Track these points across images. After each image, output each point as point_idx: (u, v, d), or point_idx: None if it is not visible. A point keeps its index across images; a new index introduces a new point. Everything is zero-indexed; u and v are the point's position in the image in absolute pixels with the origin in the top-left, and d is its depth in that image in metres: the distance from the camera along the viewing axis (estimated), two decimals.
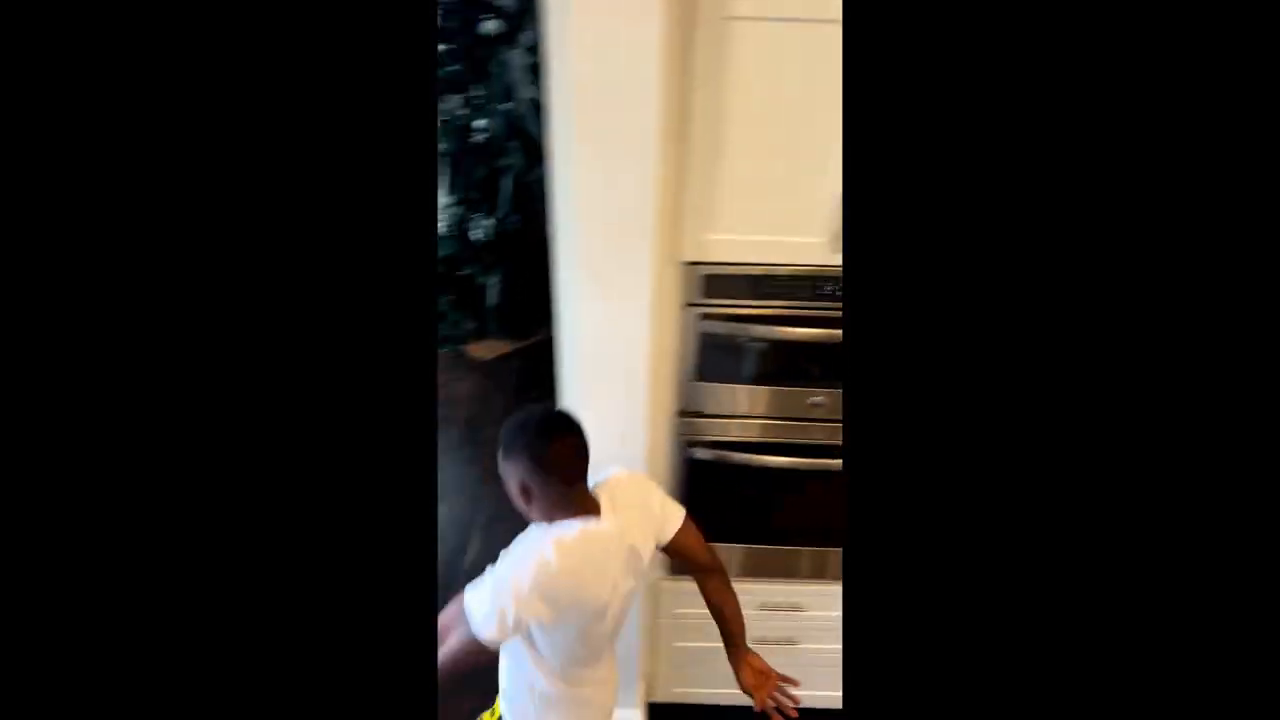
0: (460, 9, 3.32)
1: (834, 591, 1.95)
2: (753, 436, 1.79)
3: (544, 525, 1.16)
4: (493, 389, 3.71)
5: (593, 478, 1.22)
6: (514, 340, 4.05)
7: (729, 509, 1.86)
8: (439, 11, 3.33)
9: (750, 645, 1.40)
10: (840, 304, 1.56)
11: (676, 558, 1.36)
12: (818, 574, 1.98)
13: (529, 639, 1.18)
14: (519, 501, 1.18)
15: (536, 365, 3.85)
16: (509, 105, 3.63)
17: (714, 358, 1.71)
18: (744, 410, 1.78)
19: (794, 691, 1.35)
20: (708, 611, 1.38)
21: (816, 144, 1.43)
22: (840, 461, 1.64)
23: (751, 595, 1.57)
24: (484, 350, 4.01)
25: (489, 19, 3.38)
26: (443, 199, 3.63)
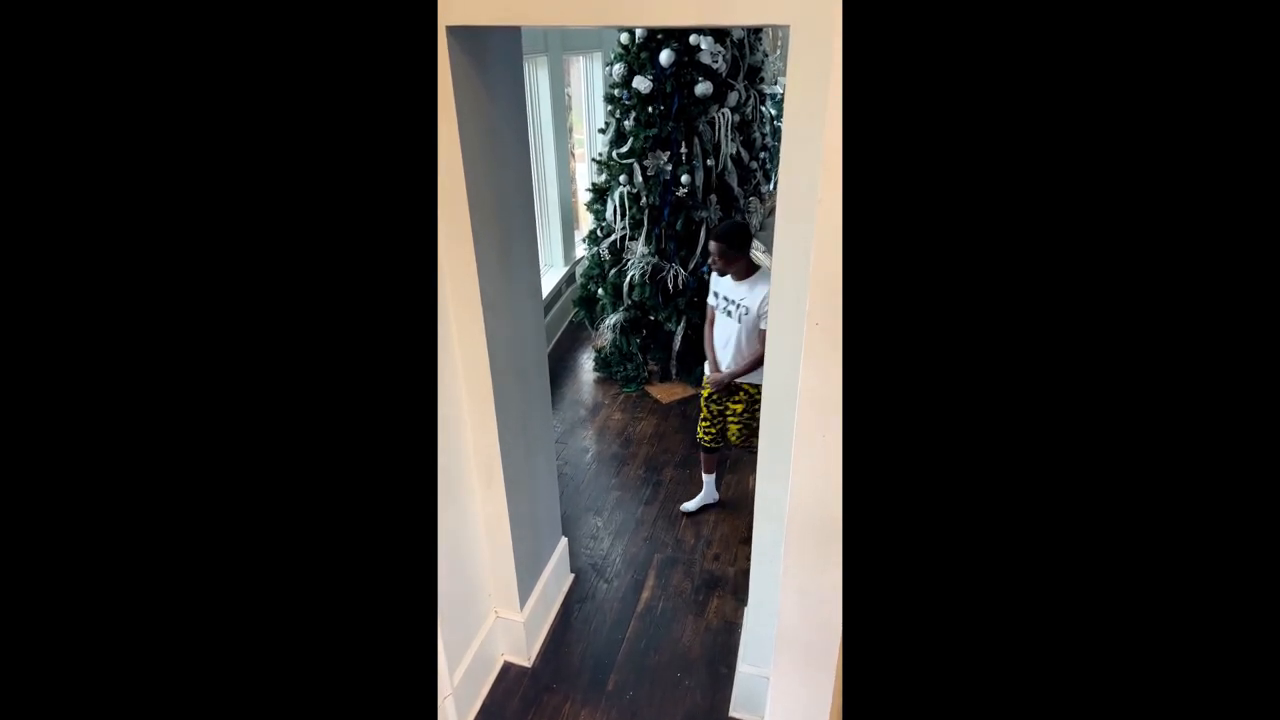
0: (677, 72, 3.55)
1: None
2: None
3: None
4: (671, 431, 3.80)
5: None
6: (697, 385, 4.14)
7: None
8: (665, 76, 3.57)
9: None
10: None
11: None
12: None
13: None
14: (718, 263, 2.72)
15: None
16: (711, 161, 3.78)
17: None
18: None
19: None
20: None
21: None
22: None
23: None
24: (665, 393, 4.14)
25: (701, 81, 3.57)
26: (641, 248, 3.85)
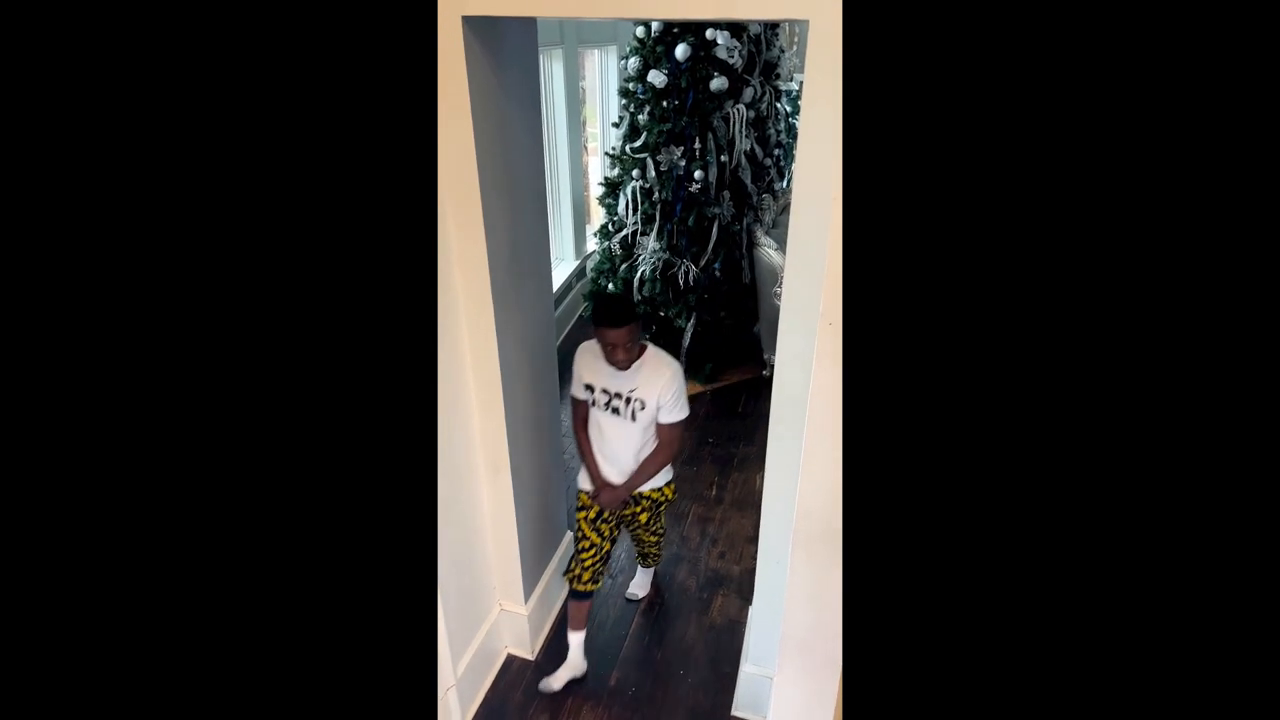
0: (692, 66, 3.53)
1: None
2: None
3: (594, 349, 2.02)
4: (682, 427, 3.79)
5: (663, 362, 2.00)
6: (706, 382, 4.13)
7: None
8: (680, 71, 3.55)
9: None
10: None
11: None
12: None
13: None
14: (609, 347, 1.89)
15: (724, 407, 3.90)
16: (725, 158, 3.76)
17: None
18: None
19: None
20: None
21: None
22: None
23: None
24: None
25: (716, 76, 3.55)
26: (653, 244, 3.83)
